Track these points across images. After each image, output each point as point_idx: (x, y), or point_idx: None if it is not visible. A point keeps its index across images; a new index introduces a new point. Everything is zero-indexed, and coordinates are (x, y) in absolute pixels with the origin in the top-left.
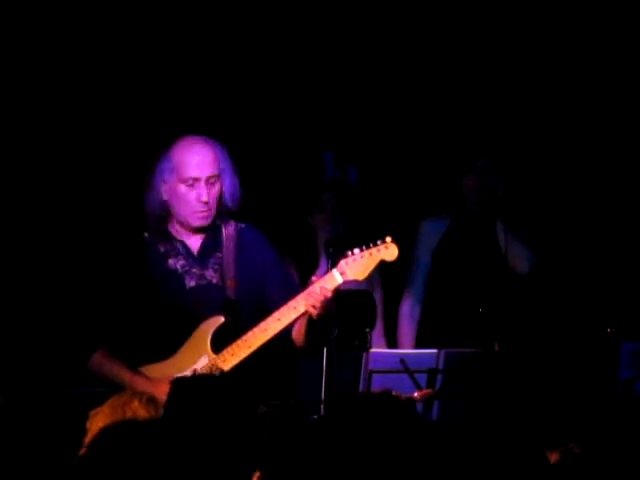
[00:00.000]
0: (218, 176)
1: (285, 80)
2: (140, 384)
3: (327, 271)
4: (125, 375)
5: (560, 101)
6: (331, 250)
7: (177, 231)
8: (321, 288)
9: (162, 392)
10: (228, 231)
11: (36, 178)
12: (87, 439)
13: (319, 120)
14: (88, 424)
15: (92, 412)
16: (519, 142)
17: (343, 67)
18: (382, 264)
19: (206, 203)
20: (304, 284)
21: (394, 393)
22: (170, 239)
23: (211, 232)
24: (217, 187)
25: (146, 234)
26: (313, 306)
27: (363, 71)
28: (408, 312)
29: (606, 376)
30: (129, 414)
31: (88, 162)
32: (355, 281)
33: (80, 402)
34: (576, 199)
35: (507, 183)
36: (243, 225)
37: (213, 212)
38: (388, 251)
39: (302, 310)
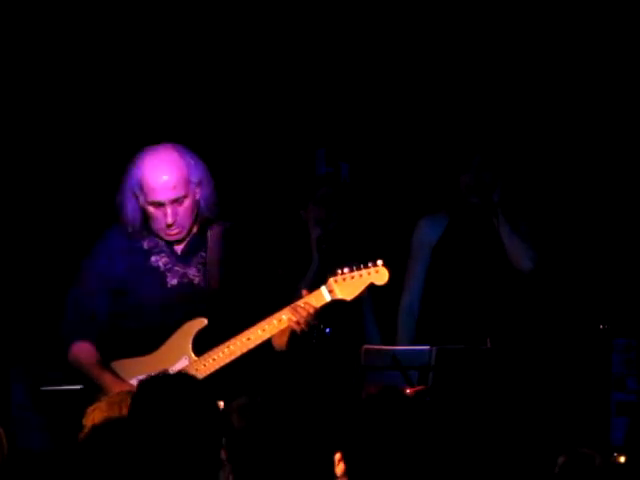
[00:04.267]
0: (185, 196)
1: (279, 77)
2: (107, 382)
3: (317, 268)
4: (94, 371)
5: (556, 97)
6: (323, 247)
7: None
8: (307, 304)
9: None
10: (213, 232)
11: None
12: (82, 435)
13: (312, 116)
14: (84, 420)
15: (89, 408)
16: (515, 139)
17: (337, 64)
18: None
19: (170, 225)
20: (296, 280)
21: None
22: (154, 236)
23: (196, 232)
24: (186, 203)
25: (130, 229)
26: (297, 322)
27: (356, 68)
28: (407, 308)
29: (599, 373)
30: (125, 411)
31: (81, 159)
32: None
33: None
34: (570, 196)
35: (504, 180)
36: (229, 224)
37: (185, 227)
38: (378, 275)
39: (286, 324)
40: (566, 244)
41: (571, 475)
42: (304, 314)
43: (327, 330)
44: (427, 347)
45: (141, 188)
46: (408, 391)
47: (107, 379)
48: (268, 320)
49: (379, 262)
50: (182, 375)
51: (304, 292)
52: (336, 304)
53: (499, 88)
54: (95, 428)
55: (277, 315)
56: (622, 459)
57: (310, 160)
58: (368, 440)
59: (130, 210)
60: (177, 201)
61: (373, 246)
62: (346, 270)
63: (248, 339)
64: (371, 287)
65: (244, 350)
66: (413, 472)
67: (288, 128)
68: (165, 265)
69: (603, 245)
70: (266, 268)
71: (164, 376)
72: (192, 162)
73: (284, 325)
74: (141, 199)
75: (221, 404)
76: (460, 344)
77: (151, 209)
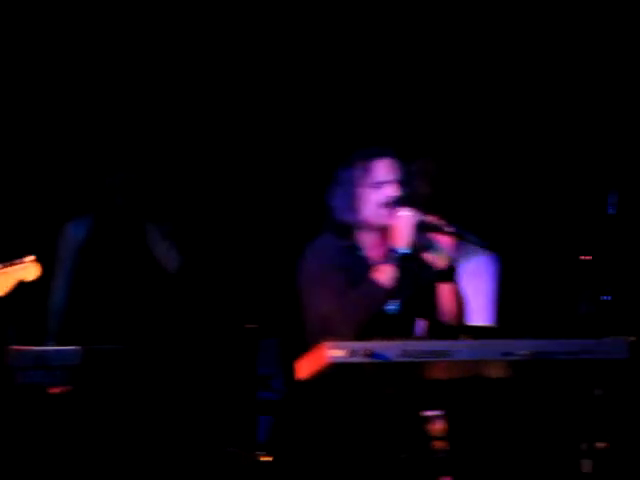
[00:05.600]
0: None
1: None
2: None
3: None
4: None
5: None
6: None
7: None
8: None
9: None
10: None
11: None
12: None
13: None
14: None
15: None
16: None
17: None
18: None
19: None
20: None
21: None
22: None
23: None
24: None
25: None
26: None
27: None
28: (54, 308)
29: (245, 372)
30: None
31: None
32: None
33: None
34: (213, 194)
35: (153, 182)
36: None
37: None
38: (27, 271)
39: None
40: (210, 244)
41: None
42: None
43: None
44: (76, 347)
45: None
46: (56, 390)
47: None
48: None
49: (29, 258)
50: None
51: None
52: None
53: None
54: None
55: None
56: (267, 458)
57: None
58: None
59: None
60: None
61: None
62: None
63: None
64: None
65: None
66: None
67: None
68: None
69: (251, 245)
70: None
71: None
72: None
73: None
74: None
75: None
76: (108, 344)
77: None
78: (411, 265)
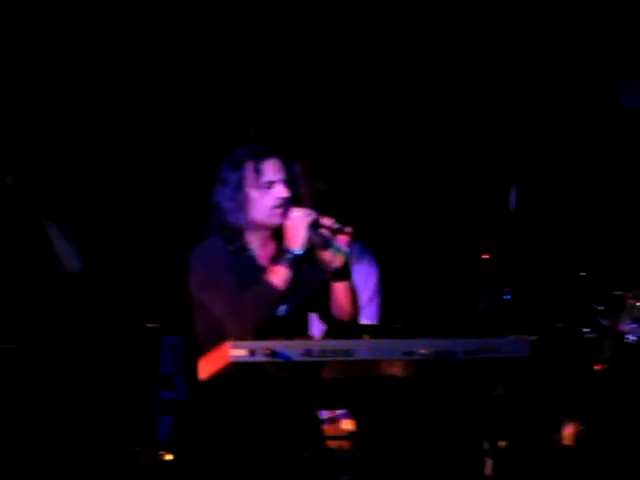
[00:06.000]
0: None
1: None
2: None
3: None
4: None
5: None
6: None
7: None
8: None
9: None
10: None
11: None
12: None
13: None
14: None
15: None
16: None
17: None
18: None
19: None
20: None
21: None
22: None
23: None
24: None
25: None
26: None
27: None
28: None
29: (147, 371)
30: None
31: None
32: None
33: None
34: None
35: (53, 181)
36: None
37: None
38: None
39: None
40: (112, 244)
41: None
42: None
43: None
44: None
45: None
46: None
47: None
48: None
49: None
50: None
51: None
52: None
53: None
54: None
55: None
56: (168, 457)
57: None
58: None
59: None
60: None
61: None
62: None
63: None
64: None
65: None
66: None
67: None
68: None
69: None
70: None
71: None
72: None
73: None
74: None
75: None
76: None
77: None
78: (305, 265)
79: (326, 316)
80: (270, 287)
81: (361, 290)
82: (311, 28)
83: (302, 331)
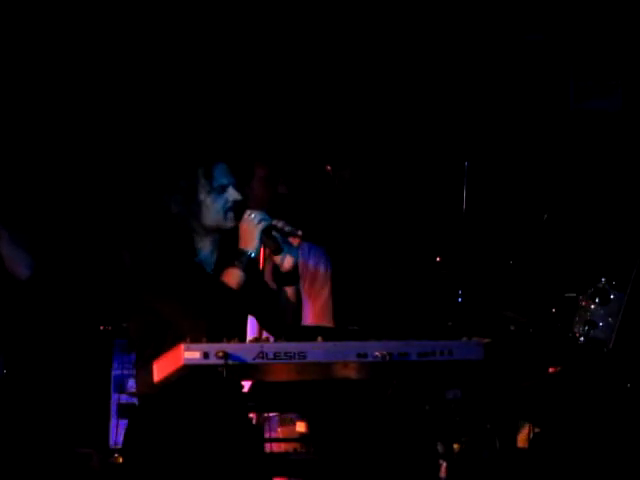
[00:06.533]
0: None
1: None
2: None
3: None
4: None
5: None
6: None
7: None
8: None
9: None
10: None
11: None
12: None
13: None
14: None
15: None
16: None
17: None
18: None
19: None
20: None
21: None
22: None
23: None
24: None
25: None
26: None
27: None
28: None
29: (100, 373)
30: None
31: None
32: None
33: None
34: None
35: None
36: None
37: None
38: None
39: None
40: (63, 248)
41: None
42: None
43: None
44: None
45: None
46: None
47: None
48: None
49: None
50: None
51: None
52: None
53: None
54: None
55: None
56: (120, 459)
57: None
58: None
59: None
60: None
61: None
62: None
63: None
64: None
65: None
66: None
67: None
68: None
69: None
70: None
71: None
72: None
73: None
74: None
75: None
76: None
77: None
78: (257, 268)
79: (265, 320)
80: (224, 289)
81: (317, 294)
82: (273, 29)
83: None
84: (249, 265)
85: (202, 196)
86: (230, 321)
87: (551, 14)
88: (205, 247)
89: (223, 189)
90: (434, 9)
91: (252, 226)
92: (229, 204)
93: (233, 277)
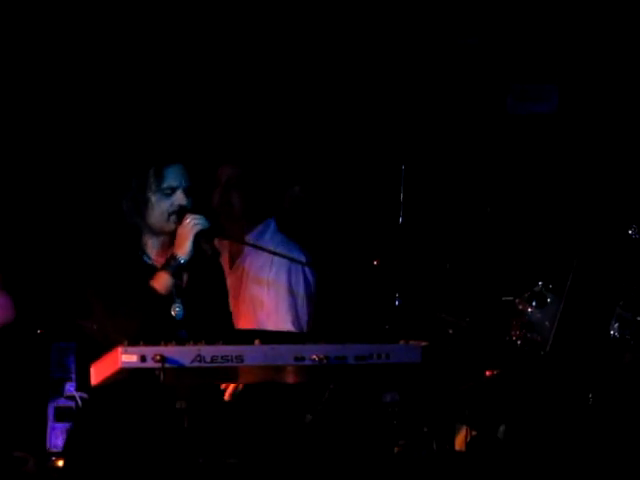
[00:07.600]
0: None
1: None
2: None
3: None
4: None
5: None
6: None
7: None
8: None
9: None
10: None
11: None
12: None
13: None
14: None
15: None
16: None
17: None
18: None
19: None
20: None
21: None
22: None
23: None
24: None
25: None
26: None
27: None
28: None
29: (37, 376)
30: None
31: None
32: None
33: None
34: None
35: None
36: None
37: None
38: None
39: None
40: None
41: None
42: None
43: None
44: None
45: None
46: None
47: None
48: None
49: None
50: None
51: None
52: None
53: None
54: None
55: None
56: (60, 463)
57: None
58: None
59: None
60: None
61: None
62: None
63: None
64: None
65: None
66: None
67: None
68: None
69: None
70: None
71: None
72: None
73: None
74: None
75: None
76: None
77: None
78: (190, 272)
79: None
80: (150, 293)
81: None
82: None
83: (199, 336)
84: (179, 270)
85: (149, 195)
86: (162, 325)
87: (489, 18)
88: (152, 247)
89: (172, 191)
90: (370, 13)
91: (187, 231)
92: (173, 207)
93: (161, 281)
